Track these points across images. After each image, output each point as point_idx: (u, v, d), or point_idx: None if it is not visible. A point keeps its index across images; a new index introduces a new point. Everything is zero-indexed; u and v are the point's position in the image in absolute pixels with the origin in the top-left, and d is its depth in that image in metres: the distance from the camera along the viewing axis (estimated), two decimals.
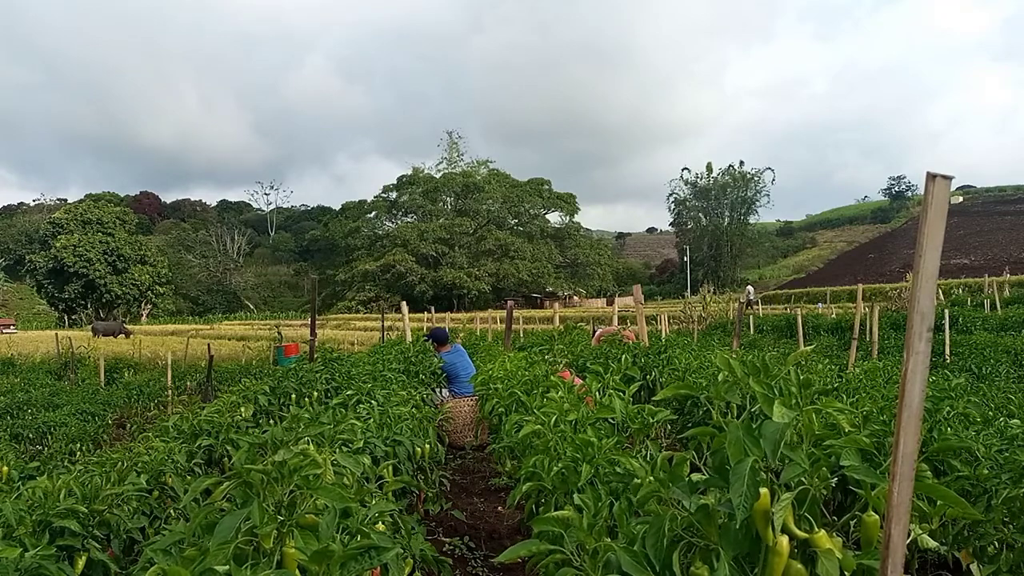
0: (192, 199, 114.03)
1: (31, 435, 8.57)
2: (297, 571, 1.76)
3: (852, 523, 1.68)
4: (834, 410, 1.77)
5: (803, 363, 7.25)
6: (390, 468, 3.25)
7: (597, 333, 10.29)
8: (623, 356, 5.86)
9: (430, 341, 8.61)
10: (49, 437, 8.48)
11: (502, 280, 65.36)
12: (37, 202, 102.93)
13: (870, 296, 24.01)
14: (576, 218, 75.38)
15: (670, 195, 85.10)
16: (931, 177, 1.26)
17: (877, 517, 1.53)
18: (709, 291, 30.33)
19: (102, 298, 61.20)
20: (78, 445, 7.67)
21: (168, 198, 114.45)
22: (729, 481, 1.39)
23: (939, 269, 1.28)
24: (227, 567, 1.60)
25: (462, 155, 78.59)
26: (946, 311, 12.34)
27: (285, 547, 1.79)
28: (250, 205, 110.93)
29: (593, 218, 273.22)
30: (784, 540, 1.41)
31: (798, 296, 46.56)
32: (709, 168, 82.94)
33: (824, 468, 1.48)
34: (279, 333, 17.49)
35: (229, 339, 29.03)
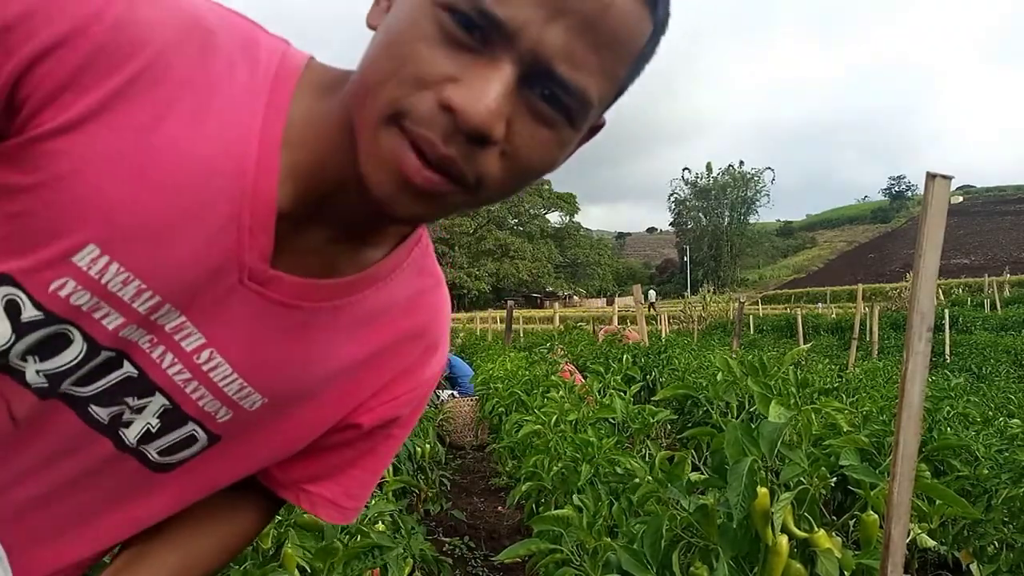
0: None
1: None
2: (296, 572, 1.77)
3: (851, 523, 1.68)
4: (833, 410, 1.78)
5: (802, 362, 7.26)
6: (390, 468, 3.26)
7: (603, 331, 10.39)
8: (623, 356, 5.87)
9: None
10: None
11: (502, 280, 65.38)
12: None
13: (870, 296, 24.01)
14: (576, 218, 75.46)
15: (670, 195, 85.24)
16: (931, 177, 1.26)
17: (876, 516, 1.53)
18: (709, 291, 30.34)
19: None
20: None
21: None
22: (728, 481, 1.39)
23: (939, 269, 1.28)
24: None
25: None
26: (946, 311, 12.33)
27: (284, 547, 1.79)
28: None
29: (593, 218, 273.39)
30: (783, 540, 1.41)
31: (798, 296, 46.57)
32: (709, 168, 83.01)
33: (823, 468, 1.48)
34: None
35: None
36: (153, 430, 0.64)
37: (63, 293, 0.54)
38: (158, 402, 0.63)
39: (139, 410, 0.63)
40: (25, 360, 0.56)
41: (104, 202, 0.52)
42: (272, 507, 0.82)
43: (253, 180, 0.56)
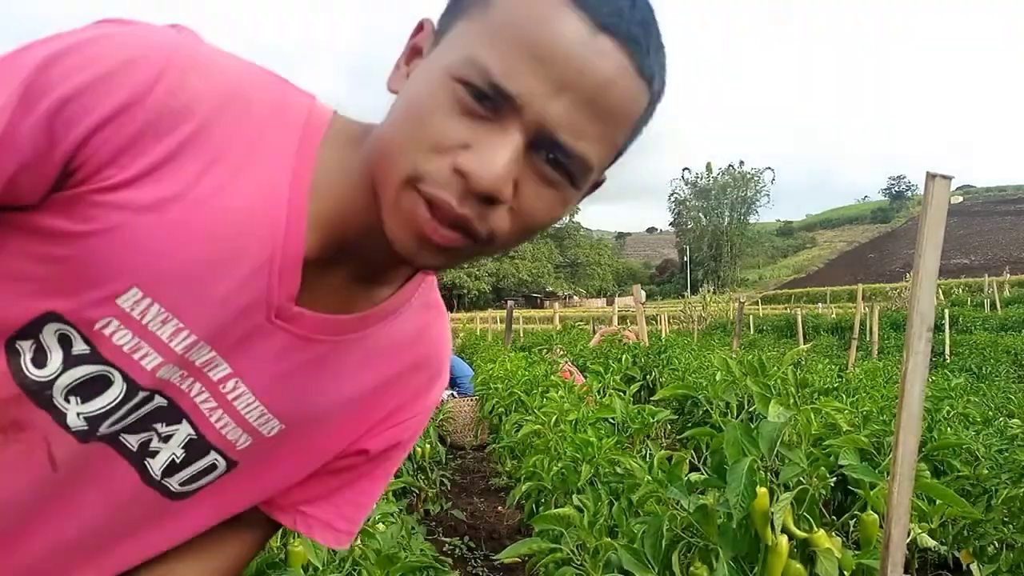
0: None
1: None
2: (301, 570, 1.77)
3: (851, 522, 1.68)
4: (832, 410, 1.78)
5: (802, 362, 7.26)
6: None
7: (599, 332, 10.35)
8: (623, 356, 5.88)
9: None
10: None
11: (502, 280, 65.40)
12: None
13: (870, 296, 24.00)
14: (576, 218, 75.48)
15: (670, 195, 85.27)
16: (931, 177, 1.26)
17: (876, 516, 1.53)
18: (709, 291, 30.36)
19: None
20: None
21: None
22: (727, 481, 1.39)
23: (939, 269, 1.28)
24: None
25: None
26: (946, 311, 12.33)
27: (290, 546, 1.79)
28: None
29: (593, 218, 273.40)
30: (783, 540, 1.42)
31: (798, 296, 46.60)
32: (709, 168, 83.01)
33: (823, 468, 1.48)
34: None
35: None
36: (178, 460, 0.68)
37: (107, 332, 0.59)
38: (184, 431, 0.66)
39: (167, 438, 0.66)
40: (68, 401, 0.60)
41: (148, 251, 0.57)
42: (268, 532, 0.84)
43: (284, 230, 0.61)
